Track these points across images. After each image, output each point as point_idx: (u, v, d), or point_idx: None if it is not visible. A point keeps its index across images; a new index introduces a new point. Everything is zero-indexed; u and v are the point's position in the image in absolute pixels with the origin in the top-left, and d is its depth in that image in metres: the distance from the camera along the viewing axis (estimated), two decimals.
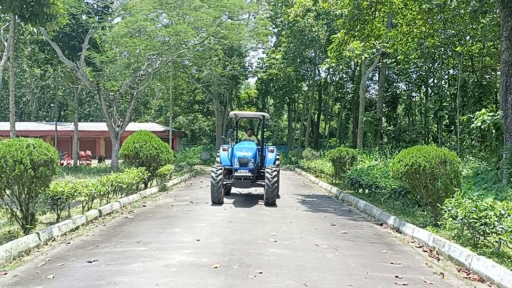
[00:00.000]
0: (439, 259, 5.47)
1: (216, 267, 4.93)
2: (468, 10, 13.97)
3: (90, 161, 29.88)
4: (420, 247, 6.16)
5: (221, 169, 10.31)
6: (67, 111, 55.31)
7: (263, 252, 5.69)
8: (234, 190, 12.77)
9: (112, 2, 24.67)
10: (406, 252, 5.89)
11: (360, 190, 12.30)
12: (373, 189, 10.70)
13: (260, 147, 11.56)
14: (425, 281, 4.53)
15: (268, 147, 11.80)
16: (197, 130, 55.91)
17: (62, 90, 47.79)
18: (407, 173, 7.23)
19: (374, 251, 5.87)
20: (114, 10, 24.33)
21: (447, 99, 29.53)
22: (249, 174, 10.52)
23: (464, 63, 27.23)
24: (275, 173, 10.08)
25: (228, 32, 23.81)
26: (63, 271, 4.83)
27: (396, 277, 4.65)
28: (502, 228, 4.74)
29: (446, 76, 32.11)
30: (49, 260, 5.34)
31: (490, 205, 5.27)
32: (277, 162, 11.48)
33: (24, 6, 10.97)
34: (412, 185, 7.45)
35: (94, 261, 5.19)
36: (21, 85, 49.18)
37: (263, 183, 10.45)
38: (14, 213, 6.62)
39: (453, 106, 27.48)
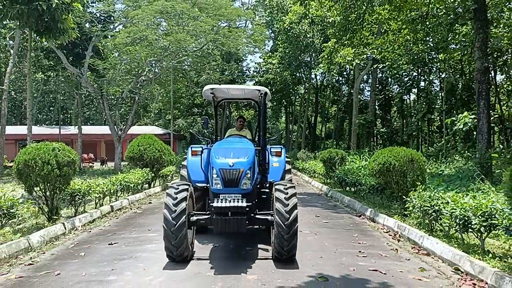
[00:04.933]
0: (399, 241, 6.62)
1: (216, 247, 6.06)
2: (446, 21, 15.14)
3: (93, 163, 30.97)
4: (387, 232, 7.31)
5: (186, 190, 5.29)
6: (66, 115, 56.42)
7: (255, 235, 6.80)
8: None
9: (114, 11, 25.80)
10: (374, 236, 7.04)
11: (348, 188, 13.41)
12: (357, 186, 11.81)
13: (259, 148, 6.43)
14: (381, 255, 5.69)
15: (271, 148, 6.96)
16: (197, 134, 56.94)
17: (61, 94, 48.93)
18: (380, 171, 8.34)
19: (347, 235, 7.01)
20: (116, 18, 25.46)
21: (438, 102, 30.77)
22: (243, 203, 5.27)
23: (455, 67, 28.44)
24: (291, 192, 5.26)
25: (226, 39, 24.98)
26: (91, 250, 5.95)
27: (359, 251, 5.81)
28: (447, 212, 5.84)
29: (438, 80, 33.36)
30: (76, 243, 6.45)
31: (441, 196, 6.38)
32: (289, 176, 6.96)
33: (39, 21, 12.07)
34: (385, 181, 8.57)
35: (115, 243, 6.32)
36: (22, 89, 50.27)
37: (268, 218, 5.47)
38: (41, 207, 7.72)
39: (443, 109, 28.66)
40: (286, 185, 5.36)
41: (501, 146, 21.72)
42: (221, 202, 5.26)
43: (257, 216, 5.54)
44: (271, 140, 8.35)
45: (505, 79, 25.00)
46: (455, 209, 5.55)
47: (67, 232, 7.22)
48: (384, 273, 4.87)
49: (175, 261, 5.22)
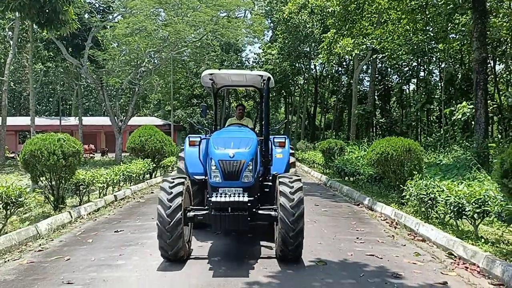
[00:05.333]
0: (396, 228, 6.84)
1: (218, 234, 6.27)
2: (446, 11, 15.24)
3: (94, 154, 31.16)
4: (384, 220, 7.52)
5: (182, 184, 4.93)
6: (65, 106, 56.53)
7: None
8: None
9: (113, 1, 25.78)
10: (372, 223, 7.25)
11: (346, 178, 13.62)
12: (355, 176, 12.01)
13: (262, 138, 5.96)
14: (378, 241, 5.90)
15: (275, 139, 6.44)
16: (196, 124, 57.03)
17: (61, 85, 49.01)
18: (378, 160, 8.53)
19: (346, 223, 7.23)
20: (115, 9, 25.44)
21: (437, 92, 30.88)
22: (244, 197, 4.87)
23: (454, 57, 28.49)
24: (297, 186, 4.86)
25: (225, 30, 25.01)
26: (98, 237, 6.15)
27: (357, 238, 6.03)
28: (442, 200, 6.03)
29: (437, 70, 33.42)
30: (83, 231, 6.65)
31: (437, 184, 6.57)
32: (293, 170, 6.49)
33: (41, 13, 12.15)
34: (383, 171, 8.76)
35: (120, 231, 6.53)
36: (21, 80, 50.31)
37: (272, 214, 5.09)
38: (47, 196, 7.91)
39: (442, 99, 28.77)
40: (291, 178, 4.92)
41: (500, 136, 21.90)
42: (220, 196, 4.81)
43: (260, 212, 5.09)
44: (273, 129, 7.47)
45: (504, 69, 25.08)
46: (450, 196, 5.74)
47: (73, 220, 7.42)
48: (381, 258, 5.07)
49: (170, 261, 4.83)
